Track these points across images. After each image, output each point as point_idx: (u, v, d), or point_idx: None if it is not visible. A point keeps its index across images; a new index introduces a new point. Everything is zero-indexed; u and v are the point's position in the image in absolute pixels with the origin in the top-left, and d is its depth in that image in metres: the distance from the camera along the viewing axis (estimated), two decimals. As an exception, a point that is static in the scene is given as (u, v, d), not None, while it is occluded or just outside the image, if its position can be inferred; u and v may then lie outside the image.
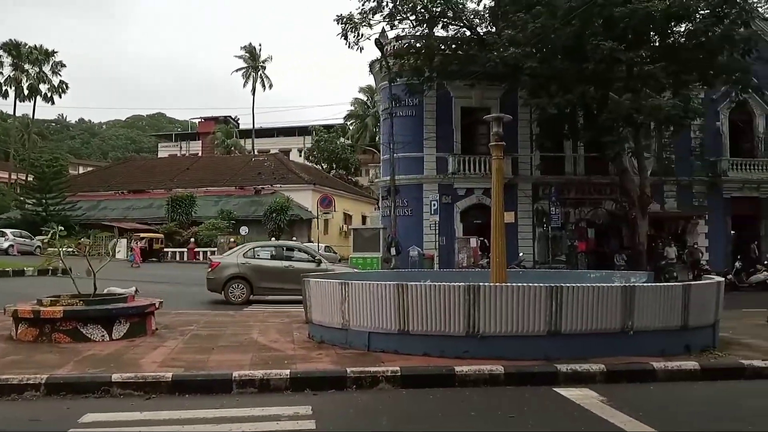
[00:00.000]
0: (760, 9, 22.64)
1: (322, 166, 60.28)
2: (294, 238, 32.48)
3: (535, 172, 26.52)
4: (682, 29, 21.04)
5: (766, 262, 24.92)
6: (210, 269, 15.57)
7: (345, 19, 24.06)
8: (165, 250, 37.00)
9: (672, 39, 21.27)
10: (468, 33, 24.89)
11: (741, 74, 21.39)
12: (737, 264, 24.14)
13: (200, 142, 77.36)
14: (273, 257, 15.89)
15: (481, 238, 22.91)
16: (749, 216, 27.84)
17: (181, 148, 78.87)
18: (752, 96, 25.65)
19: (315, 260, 16.07)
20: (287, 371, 6.83)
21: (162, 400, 6.20)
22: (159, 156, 75.99)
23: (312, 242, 31.39)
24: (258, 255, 15.85)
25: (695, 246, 25.52)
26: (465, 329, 7.67)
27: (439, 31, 25.24)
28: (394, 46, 25.71)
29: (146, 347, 8.40)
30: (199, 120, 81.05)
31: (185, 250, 37.17)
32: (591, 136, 22.28)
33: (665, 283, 8.85)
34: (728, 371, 7.66)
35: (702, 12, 20.09)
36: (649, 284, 9.10)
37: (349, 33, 24.16)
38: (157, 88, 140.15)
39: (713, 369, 7.61)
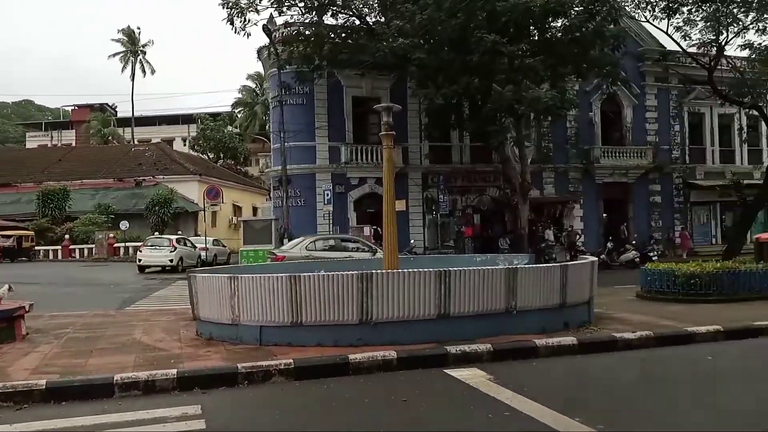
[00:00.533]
0: (627, 8, 24.35)
1: (208, 156, 58.18)
2: (179, 232, 31.16)
3: (425, 161, 27.13)
4: (559, 24, 22.20)
5: (634, 242, 27.17)
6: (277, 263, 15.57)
7: (231, 4, 23.24)
8: (36, 248, 34.23)
9: (550, 34, 22.38)
10: (357, 22, 24.91)
11: (611, 68, 22.94)
12: (609, 244, 26.12)
13: (74, 131, 72.05)
14: (333, 248, 16.97)
15: (374, 227, 23.14)
16: (619, 200, 30.14)
17: (52, 138, 73.08)
18: (621, 88, 27.60)
19: (372, 250, 17.37)
20: (174, 371, 6.55)
21: (35, 410, 5.73)
22: (27, 147, 70.03)
23: (199, 236, 30.27)
24: (319, 247, 16.64)
25: (571, 228, 27.27)
26: (358, 317, 7.71)
27: (328, 19, 25.06)
28: (282, 32, 25.22)
29: (16, 354, 7.74)
30: (73, 108, 75.45)
31: (59, 247, 34.60)
32: (476, 126, 23.04)
33: (545, 264, 9.36)
34: (603, 344, 8.24)
35: (576, 9, 21.32)
36: (531, 265, 9.59)
37: (235, 18, 23.34)
38: (25, 74, 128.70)
39: (589, 343, 8.16)
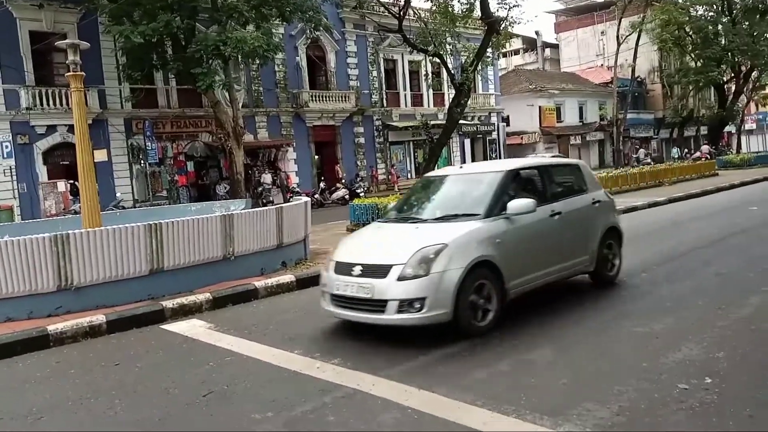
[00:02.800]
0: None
1: None
2: None
3: (127, 106, 24.83)
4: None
5: (343, 181, 29.09)
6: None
7: None
8: None
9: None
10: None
11: (313, 13, 23.56)
12: (321, 184, 27.55)
13: None
14: None
15: (71, 181, 20.63)
16: (328, 141, 31.78)
17: None
18: (324, 34, 28.68)
19: None
20: None
21: None
22: None
23: None
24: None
25: (282, 171, 27.94)
26: (56, 283, 6.90)
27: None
28: None
29: None
30: None
31: None
32: (181, 68, 21.80)
33: (262, 208, 9.47)
34: (317, 278, 8.69)
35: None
36: (247, 210, 9.61)
37: None
38: None
39: (305, 278, 8.58)
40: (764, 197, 16.40)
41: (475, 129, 38.93)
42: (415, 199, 7.08)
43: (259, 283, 8.08)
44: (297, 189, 26.33)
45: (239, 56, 21.87)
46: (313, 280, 8.54)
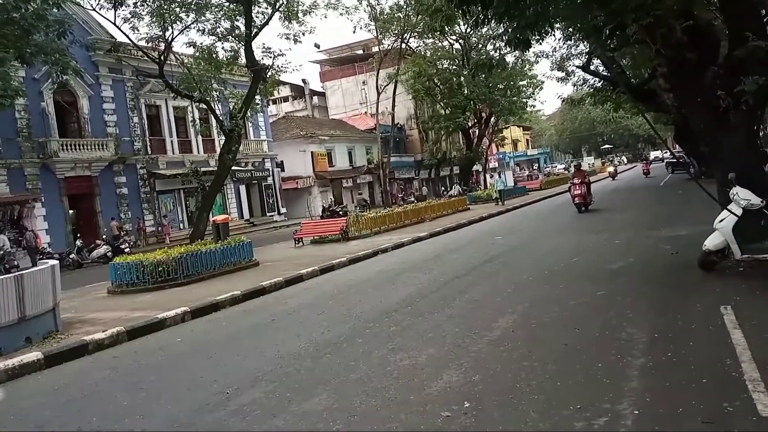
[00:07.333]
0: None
1: None
2: None
3: None
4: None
5: (104, 236, 26.60)
6: None
7: None
8: None
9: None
10: None
11: (59, 55, 21.45)
12: (78, 242, 24.84)
13: None
14: None
15: None
16: (86, 194, 28.90)
17: None
18: (74, 78, 26.11)
19: None
20: None
21: None
22: None
23: None
24: None
25: (28, 230, 24.67)
26: None
27: None
28: None
29: None
30: None
31: None
32: None
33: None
34: (72, 351, 7.74)
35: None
36: (-24, 281, 8.20)
37: None
38: None
39: (57, 354, 7.56)
40: (505, 227, 18.76)
41: (249, 175, 38.64)
42: None
43: (-4, 366, 6.90)
44: (48, 249, 23.41)
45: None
46: (67, 354, 7.61)
